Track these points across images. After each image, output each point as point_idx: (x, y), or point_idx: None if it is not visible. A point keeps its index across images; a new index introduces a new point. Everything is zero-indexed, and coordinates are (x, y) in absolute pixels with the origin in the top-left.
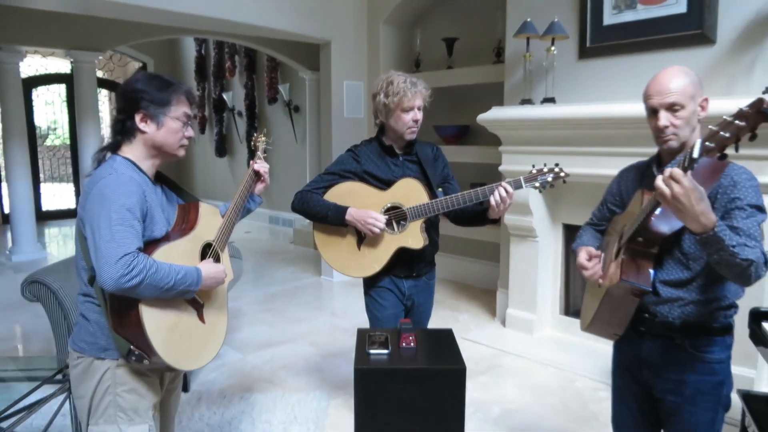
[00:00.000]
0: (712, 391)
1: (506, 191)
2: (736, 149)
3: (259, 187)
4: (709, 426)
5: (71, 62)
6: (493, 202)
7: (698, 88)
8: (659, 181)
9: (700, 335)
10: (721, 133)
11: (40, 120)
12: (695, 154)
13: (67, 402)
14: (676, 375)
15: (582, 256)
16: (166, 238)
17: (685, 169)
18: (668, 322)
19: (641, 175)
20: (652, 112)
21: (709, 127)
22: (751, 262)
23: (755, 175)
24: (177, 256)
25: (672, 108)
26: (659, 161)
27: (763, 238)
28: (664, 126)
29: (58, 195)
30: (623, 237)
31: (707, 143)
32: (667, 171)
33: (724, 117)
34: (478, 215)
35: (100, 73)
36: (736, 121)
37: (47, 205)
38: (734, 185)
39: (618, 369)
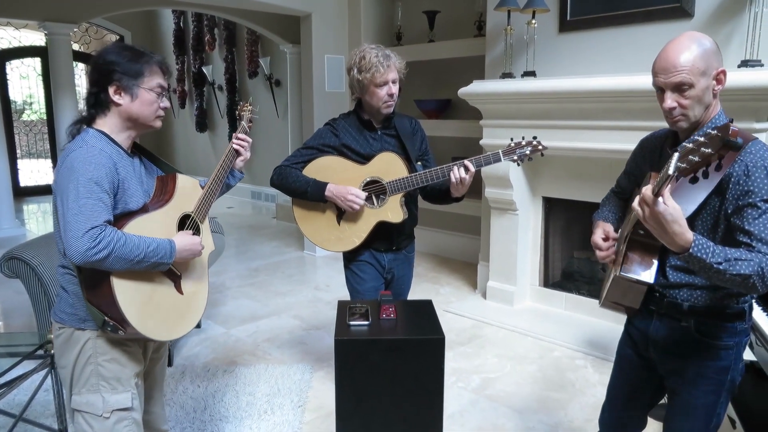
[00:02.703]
0: (715, 376)
1: (466, 170)
2: (705, 175)
3: (239, 162)
4: (710, 409)
5: (45, 35)
6: (453, 179)
7: (712, 60)
8: (635, 203)
9: (707, 320)
10: (690, 156)
11: (15, 94)
12: (670, 171)
13: (49, 377)
14: (680, 357)
15: (598, 235)
16: (144, 209)
17: (662, 185)
18: (676, 303)
19: (659, 150)
20: (659, 90)
21: (684, 144)
22: (746, 276)
23: None
24: (152, 227)
25: (679, 88)
26: (675, 137)
27: None
28: (670, 108)
29: (36, 171)
30: (627, 226)
31: (679, 163)
32: (643, 190)
33: (695, 137)
34: (444, 193)
35: (76, 46)
36: (702, 148)
37: (25, 181)
38: (747, 174)
39: (625, 339)
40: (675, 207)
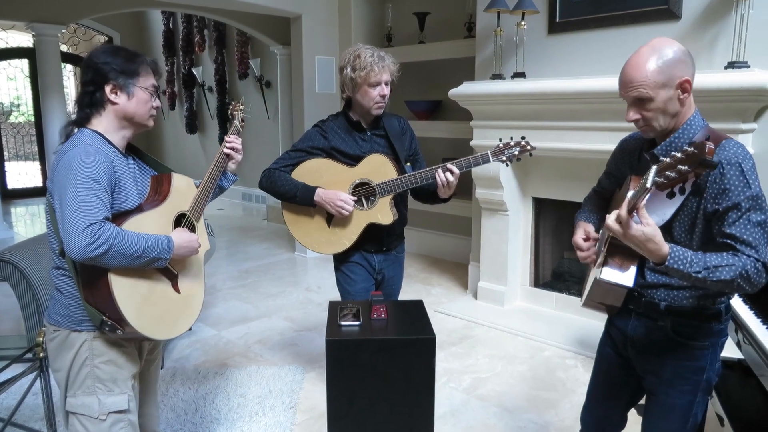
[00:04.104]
0: (691, 376)
1: (452, 173)
2: (682, 191)
3: (231, 165)
4: (686, 409)
5: (33, 36)
6: (439, 182)
7: (675, 70)
8: (611, 219)
9: (684, 320)
10: (667, 171)
11: (3, 96)
12: (648, 185)
13: (38, 381)
14: (657, 356)
15: (578, 235)
16: (139, 209)
17: (638, 197)
18: (653, 303)
19: (638, 152)
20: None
21: (663, 159)
22: (729, 281)
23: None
24: (149, 226)
25: (640, 101)
26: (652, 139)
27: None
28: (632, 120)
29: (23, 173)
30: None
31: (656, 178)
32: (617, 212)
33: (673, 152)
34: (432, 193)
35: (64, 48)
36: (679, 165)
37: (13, 184)
38: (722, 175)
39: (605, 338)
40: (650, 224)
